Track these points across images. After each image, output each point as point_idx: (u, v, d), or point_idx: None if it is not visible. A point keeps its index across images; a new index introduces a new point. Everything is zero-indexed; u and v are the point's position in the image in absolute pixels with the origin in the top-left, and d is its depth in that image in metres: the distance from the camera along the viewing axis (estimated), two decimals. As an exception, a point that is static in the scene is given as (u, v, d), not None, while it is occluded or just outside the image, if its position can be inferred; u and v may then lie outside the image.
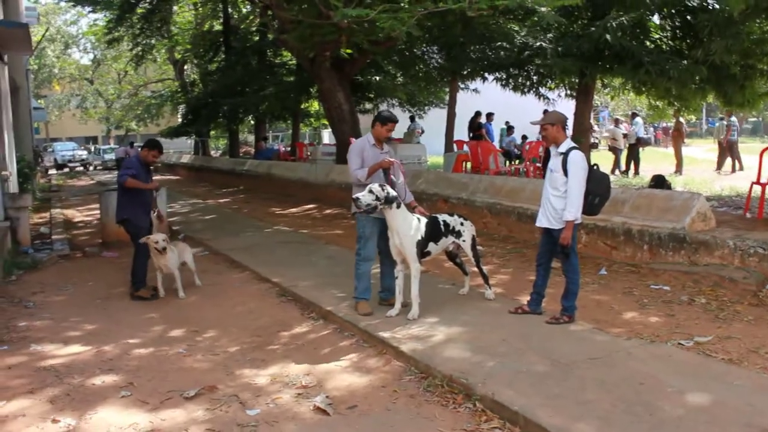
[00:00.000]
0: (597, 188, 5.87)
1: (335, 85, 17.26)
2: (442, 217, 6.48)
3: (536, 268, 6.24)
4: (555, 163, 5.89)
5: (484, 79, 15.43)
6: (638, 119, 19.64)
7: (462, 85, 16.71)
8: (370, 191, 5.89)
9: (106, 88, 47.82)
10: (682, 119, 20.01)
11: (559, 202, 5.80)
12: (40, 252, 10.42)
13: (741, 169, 18.58)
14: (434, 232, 6.30)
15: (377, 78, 20.47)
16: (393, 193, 5.97)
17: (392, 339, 5.49)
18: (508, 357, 4.95)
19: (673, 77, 9.85)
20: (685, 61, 10.33)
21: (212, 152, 38.09)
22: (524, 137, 20.82)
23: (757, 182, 9.54)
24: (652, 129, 29.50)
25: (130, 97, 44.48)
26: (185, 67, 35.85)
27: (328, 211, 14.70)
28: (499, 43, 13.69)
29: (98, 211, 12.56)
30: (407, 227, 5.99)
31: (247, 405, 4.50)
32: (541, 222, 6.04)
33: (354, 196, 5.96)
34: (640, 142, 18.90)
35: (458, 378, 4.59)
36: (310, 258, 9.27)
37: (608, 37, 9.60)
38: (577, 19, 11.02)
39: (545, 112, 18.81)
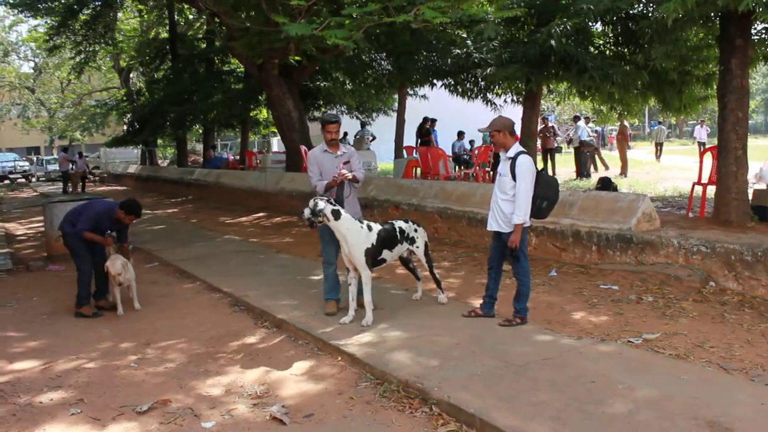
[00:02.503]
0: (545, 192, 5.97)
1: (284, 93, 17.19)
2: (398, 224, 6.51)
3: (488, 272, 6.31)
4: (503, 167, 5.97)
5: (432, 85, 15.56)
6: (580, 123, 19.99)
7: (410, 92, 16.83)
8: (308, 206, 6.05)
9: (49, 96, 46.60)
10: (626, 123, 20.52)
11: (508, 206, 5.88)
12: (-21, 268, 10.09)
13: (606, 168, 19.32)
14: (389, 239, 6.32)
15: (326, 84, 20.47)
16: (321, 206, 5.97)
17: (347, 346, 5.49)
18: (462, 360, 5.00)
19: (616, 82, 10.10)
20: (627, 67, 10.60)
21: (160, 162, 37.49)
22: (471, 142, 21.07)
23: (699, 183, 9.84)
24: (597, 131, 30.18)
25: (74, 107, 43.44)
26: (131, 75, 35.24)
27: (278, 219, 14.61)
28: (446, 50, 13.82)
29: (42, 224, 12.22)
30: (354, 236, 6.03)
31: (201, 417, 4.43)
32: (491, 226, 6.11)
33: (302, 211, 6.14)
34: (583, 145, 19.23)
35: (414, 383, 4.61)
36: (261, 267, 9.19)
37: (553, 43, 9.80)
38: (523, 26, 11.22)
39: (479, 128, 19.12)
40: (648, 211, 8.08)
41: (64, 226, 7.33)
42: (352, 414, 4.41)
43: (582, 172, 18.46)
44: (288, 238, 12.01)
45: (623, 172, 19.21)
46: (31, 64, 45.90)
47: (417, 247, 6.61)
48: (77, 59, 26.51)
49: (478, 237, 9.98)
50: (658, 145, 27.58)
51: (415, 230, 6.63)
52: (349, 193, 6.54)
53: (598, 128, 28.34)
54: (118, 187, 30.48)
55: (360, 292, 6.22)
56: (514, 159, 5.84)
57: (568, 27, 9.69)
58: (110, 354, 5.92)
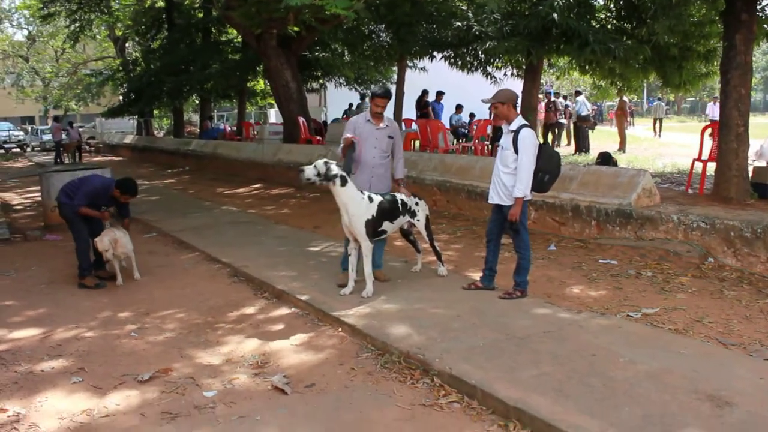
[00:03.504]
0: (547, 165, 5.95)
1: (282, 63, 17.07)
2: (400, 196, 6.48)
3: (486, 244, 6.30)
4: (506, 140, 5.94)
5: (432, 57, 15.43)
6: (580, 98, 19.90)
7: (410, 64, 16.70)
8: (314, 166, 5.94)
9: (43, 65, 46.11)
10: (626, 98, 20.43)
11: (510, 179, 5.85)
12: (-23, 237, 10.05)
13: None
14: (391, 211, 6.29)
15: (324, 55, 20.27)
16: (335, 171, 5.92)
17: (347, 317, 5.48)
18: (463, 332, 5.00)
19: (618, 56, 10.02)
20: (629, 41, 10.51)
21: (156, 132, 37.26)
22: (472, 115, 20.97)
23: (699, 159, 9.82)
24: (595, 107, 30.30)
25: (69, 76, 42.99)
26: (126, 44, 34.87)
27: (275, 191, 14.57)
28: (447, 22, 13.68)
29: (38, 194, 12.16)
30: (355, 206, 5.98)
31: (203, 386, 4.44)
32: (493, 199, 6.09)
33: (299, 168, 6.03)
34: (581, 119, 19.15)
35: (415, 354, 4.62)
36: (259, 238, 9.18)
37: (555, 16, 9.70)
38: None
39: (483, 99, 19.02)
40: (648, 186, 8.07)
41: (60, 196, 7.28)
42: (354, 384, 4.42)
43: (581, 147, 18.42)
44: (286, 210, 11.99)
45: (621, 147, 19.15)
46: (25, 32, 45.39)
47: (418, 220, 6.59)
48: (72, 28, 26.19)
49: (477, 210, 9.98)
50: (658, 120, 27.80)
51: (417, 203, 6.60)
52: (358, 157, 6.46)
53: (593, 104, 28.31)
54: (114, 158, 30.33)
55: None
56: (516, 132, 5.80)
57: (571, 0, 9.58)
58: (110, 323, 5.92)
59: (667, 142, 23.58)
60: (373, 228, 6.08)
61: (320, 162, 5.98)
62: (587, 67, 12.44)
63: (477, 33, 11.30)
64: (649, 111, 28.20)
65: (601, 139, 23.08)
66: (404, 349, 4.72)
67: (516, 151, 5.78)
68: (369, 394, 4.26)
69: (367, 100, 21.61)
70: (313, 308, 5.88)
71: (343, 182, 5.96)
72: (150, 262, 8.10)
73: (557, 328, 5.06)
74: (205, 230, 9.90)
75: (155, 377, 4.60)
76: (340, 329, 5.41)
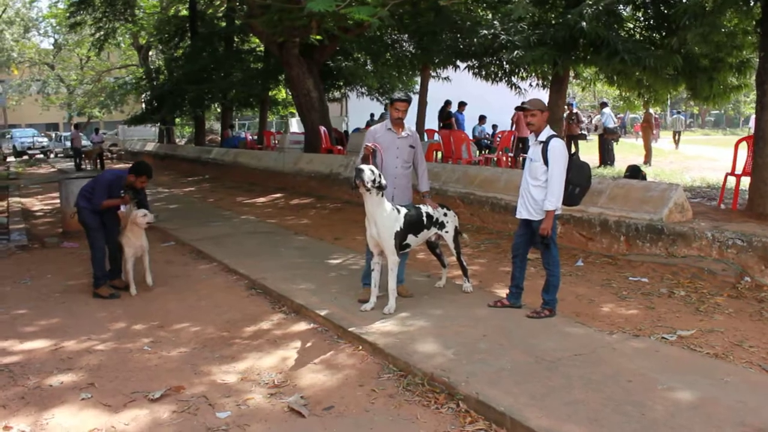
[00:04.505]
0: (577, 178, 5.71)
1: (304, 72, 16.96)
2: (425, 209, 6.25)
3: (512, 260, 6.05)
4: (535, 152, 5.71)
5: (456, 67, 15.21)
6: (606, 110, 19.60)
7: (433, 74, 16.51)
8: (371, 171, 5.64)
9: (68, 73, 46.51)
10: (651, 110, 20.09)
11: (539, 192, 5.63)
12: (-5, 243, 9.97)
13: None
14: (415, 224, 6.06)
15: (347, 65, 20.13)
16: (382, 181, 5.69)
17: (368, 335, 5.25)
18: (490, 354, 4.75)
19: (648, 66, 9.73)
20: (659, 51, 10.23)
21: (177, 140, 37.40)
22: (494, 127, 20.72)
23: (732, 173, 9.50)
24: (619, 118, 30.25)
25: (93, 84, 43.34)
26: (150, 53, 35.06)
27: (296, 201, 14.40)
28: (472, 31, 13.46)
29: (58, 200, 12.08)
30: (386, 217, 5.75)
31: (216, 406, 4.23)
32: (521, 213, 5.85)
33: (358, 167, 5.65)
34: (607, 132, 18.85)
35: (439, 376, 4.37)
36: (279, 249, 8.99)
37: (584, 24, 9.44)
38: (552, 8, 10.85)
39: (518, 108, 18.77)
40: (680, 201, 7.78)
41: (79, 201, 7.14)
42: (374, 408, 4.18)
43: (605, 159, 18.09)
44: (306, 220, 11.81)
45: (647, 160, 18.84)
46: (51, 40, 45.88)
47: (446, 231, 6.36)
48: (97, 36, 26.33)
49: (501, 224, 9.73)
50: (677, 134, 28.28)
51: (445, 214, 6.38)
52: (379, 167, 6.23)
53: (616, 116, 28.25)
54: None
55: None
56: (546, 143, 5.58)
57: (600, 8, 9.32)
58: (123, 336, 5.74)
59: (693, 155, 23.20)
60: (400, 241, 5.86)
61: (370, 170, 5.63)
62: (615, 78, 12.15)
63: (503, 42, 11.05)
64: (669, 124, 28.32)
65: (625, 151, 22.75)
66: (428, 370, 4.48)
67: (546, 162, 5.55)
68: (390, 419, 4.02)
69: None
70: (333, 324, 5.66)
71: (382, 194, 5.75)
72: (166, 271, 7.94)
73: (589, 351, 4.79)
74: (223, 240, 9.73)
75: (167, 395, 4.40)
76: (360, 347, 5.18)
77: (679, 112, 32.75)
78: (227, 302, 6.73)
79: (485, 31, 11.87)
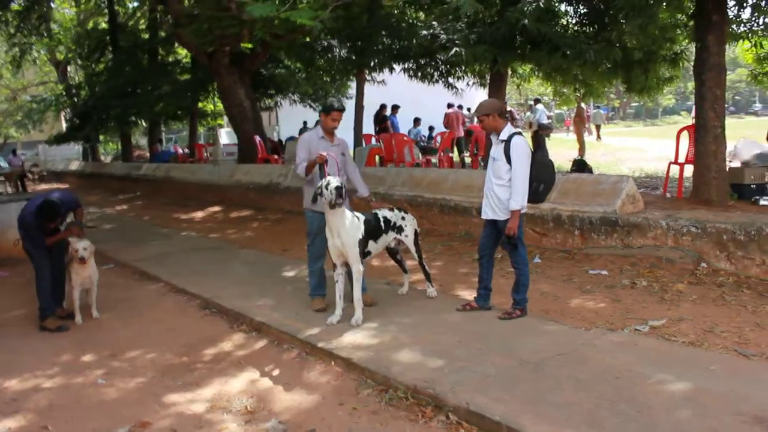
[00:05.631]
0: (542, 174, 5.64)
1: (236, 82, 16.55)
2: (382, 213, 6.05)
3: (479, 261, 5.91)
4: (496, 151, 5.60)
5: (392, 70, 15.08)
6: (539, 106, 19.88)
7: (368, 78, 16.33)
8: (342, 186, 5.43)
9: (-22, 92, 44.32)
10: (583, 105, 20.47)
11: (504, 191, 5.51)
12: None
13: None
14: (374, 230, 5.86)
15: (279, 72, 19.73)
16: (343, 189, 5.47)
17: (339, 349, 4.99)
18: (470, 360, 4.56)
19: (588, 60, 9.80)
20: (597, 45, 10.32)
21: (102, 158, 36.08)
22: (431, 128, 20.70)
23: (675, 162, 9.65)
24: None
25: (8, 102, 41.39)
26: (69, 68, 33.72)
27: (235, 214, 13.97)
28: (411, 32, 13.33)
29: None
30: (349, 226, 5.53)
31: (188, 441, 3.90)
32: (487, 214, 5.71)
33: (338, 185, 5.40)
34: (542, 128, 19.11)
35: (424, 388, 4.15)
36: (227, 265, 8.61)
37: (526, 21, 9.43)
38: (489, 5, 10.82)
39: (449, 105, 18.82)
40: (632, 192, 7.83)
41: (19, 230, 6.60)
42: (359, 427, 3.94)
43: (541, 155, 18.28)
44: (249, 233, 11.44)
45: (581, 154, 19.14)
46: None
47: (406, 235, 6.17)
48: (11, 53, 25.08)
49: (451, 225, 9.61)
50: (597, 127, 29.95)
51: (403, 218, 6.19)
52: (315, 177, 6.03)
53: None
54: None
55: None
56: (507, 141, 5.47)
57: (541, 5, 9.32)
58: (72, 369, 5.28)
59: (621, 147, 23.76)
60: (362, 249, 5.63)
61: (333, 180, 5.43)
62: (552, 74, 12.24)
63: (443, 42, 10.96)
64: (593, 118, 29.71)
65: (557, 146, 23.12)
66: (410, 383, 4.26)
67: (509, 161, 5.43)
68: (379, 438, 3.79)
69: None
70: (300, 341, 5.35)
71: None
72: (110, 296, 7.44)
73: (570, 350, 4.67)
74: (167, 259, 9.28)
75: (132, 432, 4.04)
76: (333, 363, 4.91)
77: (598, 107, 34.17)
78: (181, 325, 6.35)
79: (425, 32, 11.75)
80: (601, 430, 3.49)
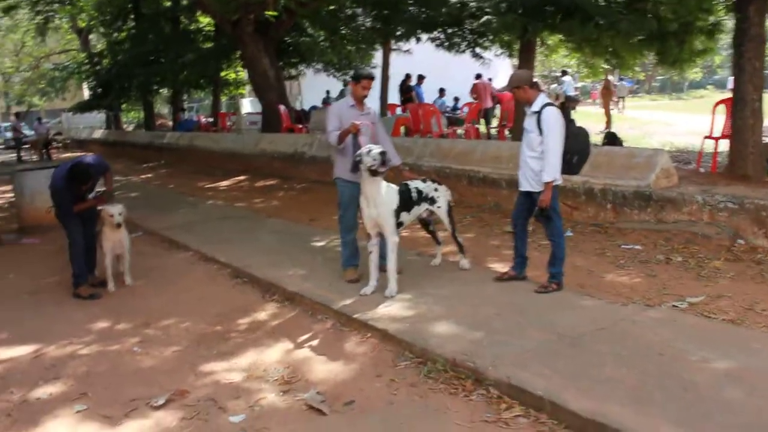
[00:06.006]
0: (575, 145, 5.52)
1: (260, 50, 16.43)
2: (414, 184, 5.98)
3: (513, 231, 5.86)
4: (529, 122, 5.51)
5: (418, 39, 14.86)
6: (566, 78, 19.59)
7: (394, 47, 16.12)
8: (380, 153, 5.33)
9: (3, 60, 44.40)
10: (610, 77, 20.13)
11: (537, 163, 5.42)
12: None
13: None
14: (406, 200, 5.79)
15: (305, 39, 19.52)
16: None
17: (375, 320, 4.96)
18: (509, 334, 4.51)
19: (622, 31, 9.57)
20: (631, 16, 10.06)
21: (125, 126, 36.16)
22: (456, 99, 20.48)
23: (710, 136, 9.45)
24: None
25: (31, 70, 41.45)
26: (90, 36, 33.64)
27: (261, 183, 13.94)
28: (440, 1, 13.08)
29: (11, 194, 11.39)
30: (385, 196, 5.48)
31: (227, 409, 3.89)
32: (523, 186, 5.66)
33: (380, 151, 5.34)
34: (569, 100, 18.87)
35: (463, 361, 4.12)
36: (255, 234, 8.59)
37: (560, -11, 9.22)
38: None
39: (477, 76, 18.56)
40: (666, 166, 7.68)
41: (51, 197, 6.62)
42: (398, 400, 3.91)
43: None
44: (275, 202, 11.41)
45: (608, 127, 18.88)
46: (-20, 26, 43.63)
47: (438, 206, 6.10)
48: (36, 20, 25.05)
49: (480, 197, 9.52)
50: (621, 99, 29.66)
51: (435, 189, 6.12)
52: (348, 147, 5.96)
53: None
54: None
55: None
56: (539, 112, 5.37)
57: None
58: (107, 337, 5.31)
59: (647, 121, 23.38)
60: (396, 219, 5.58)
61: (373, 149, 5.36)
62: (583, 45, 11.98)
63: (473, 10, 10.75)
64: (618, 90, 29.43)
65: (583, 118, 22.78)
66: (449, 355, 4.22)
67: (541, 132, 5.35)
68: (419, 411, 3.76)
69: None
70: (334, 312, 5.33)
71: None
72: (140, 264, 7.45)
73: (610, 324, 4.60)
74: (194, 227, 9.28)
75: (171, 400, 4.04)
76: (369, 334, 4.88)
77: (622, 79, 33.56)
78: (212, 293, 6.35)
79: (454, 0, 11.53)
80: (648, 407, 3.44)
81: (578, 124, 5.64)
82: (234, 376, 4.39)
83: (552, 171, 5.33)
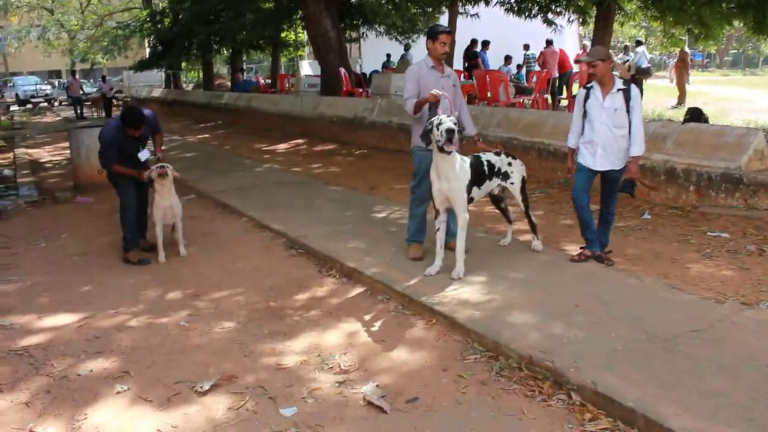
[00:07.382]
0: None
1: (321, 10, 15.98)
2: (486, 157, 5.51)
3: (580, 210, 5.48)
4: (614, 100, 5.34)
5: (487, 2, 14.16)
6: (640, 48, 18.55)
7: (461, 10, 15.44)
8: (448, 130, 4.80)
9: (68, 18, 44.94)
10: (687, 49, 19.01)
11: (626, 140, 5.36)
12: (2, 198, 9.23)
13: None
14: (477, 174, 5.32)
15: (368, 0, 18.91)
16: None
17: (441, 305, 4.55)
18: (591, 329, 4.04)
19: (714, -2, 8.80)
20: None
21: (183, 85, 36.29)
22: (519, 67, 19.66)
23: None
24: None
25: (95, 28, 41.87)
26: (153, -7, 33.68)
27: (319, 147, 13.60)
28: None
29: (68, 151, 11.32)
30: (458, 171, 5.03)
31: (278, 400, 3.54)
32: (604, 166, 5.43)
33: (449, 127, 4.80)
34: (640, 72, 17.89)
35: (540, 360, 3.68)
36: (312, 201, 8.25)
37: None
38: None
39: (548, 42, 17.73)
40: (760, 147, 7.02)
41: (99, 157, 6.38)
42: (467, 399, 3.50)
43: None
44: (334, 168, 11.04)
45: (681, 101, 17.87)
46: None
47: (512, 183, 5.63)
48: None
49: (549, 171, 8.97)
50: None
51: (509, 164, 5.63)
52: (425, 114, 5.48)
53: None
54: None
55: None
56: (627, 89, 5.32)
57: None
58: (156, 308, 5.04)
59: (722, 96, 22.15)
60: (467, 194, 5.14)
61: (446, 119, 4.86)
62: (666, 12, 11.16)
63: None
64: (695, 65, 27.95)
65: (653, 92, 21.72)
66: (524, 352, 3.78)
67: (628, 110, 5.30)
68: (491, 415, 3.34)
69: (410, 51, 20.29)
70: (397, 293, 4.93)
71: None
72: (193, 228, 7.21)
73: (706, 326, 4.08)
74: (249, 192, 8.99)
75: (217, 386, 3.71)
76: (434, 321, 4.47)
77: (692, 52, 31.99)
78: (266, 264, 6.03)
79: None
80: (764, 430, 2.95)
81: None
82: (287, 360, 4.04)
83: (643, 145, 5.38)
